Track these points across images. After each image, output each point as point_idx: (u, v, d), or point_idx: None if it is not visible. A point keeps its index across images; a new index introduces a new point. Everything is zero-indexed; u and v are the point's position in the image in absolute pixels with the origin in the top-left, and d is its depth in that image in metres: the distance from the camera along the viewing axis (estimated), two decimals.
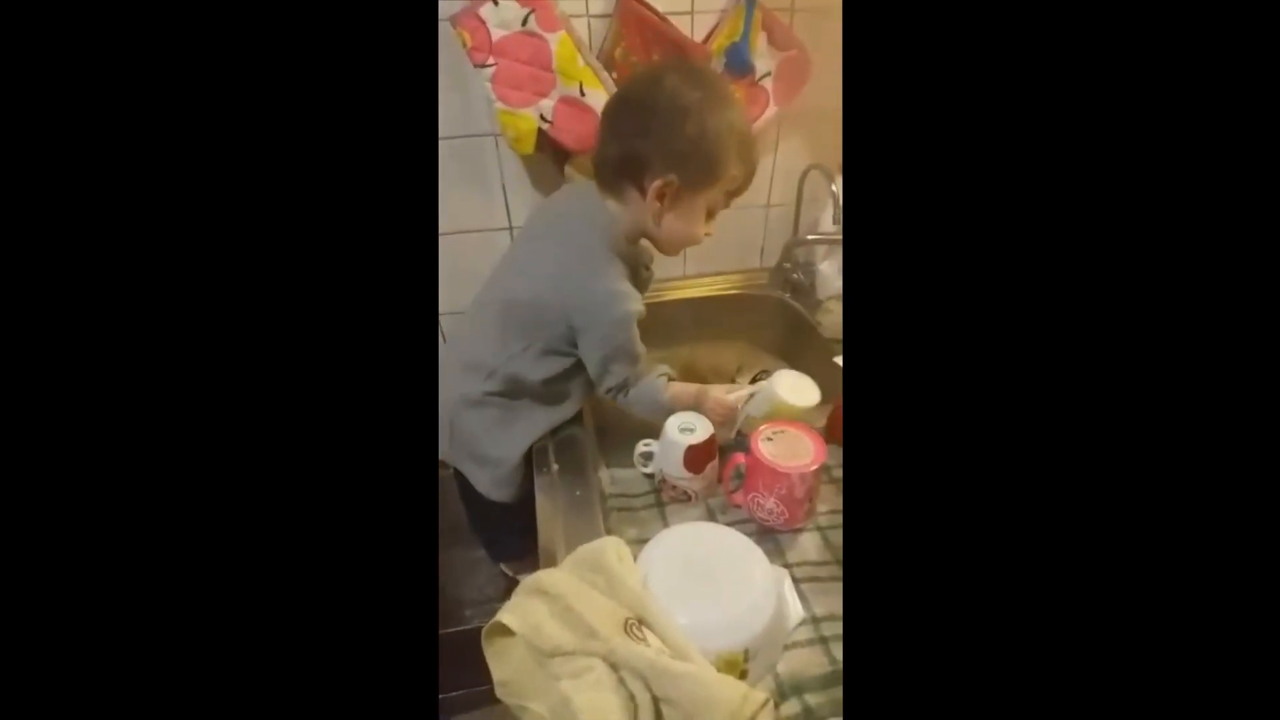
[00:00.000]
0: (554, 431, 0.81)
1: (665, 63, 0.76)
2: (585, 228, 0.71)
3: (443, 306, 1.05)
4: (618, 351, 0.73)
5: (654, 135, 0.66)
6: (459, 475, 0.86)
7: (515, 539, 1.00)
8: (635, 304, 0.71)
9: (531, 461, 0.79)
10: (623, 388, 0.76)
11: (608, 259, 0.70)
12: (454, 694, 1.06)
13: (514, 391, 0.77)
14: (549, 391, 0.78)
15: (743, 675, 0.54)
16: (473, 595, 1.17)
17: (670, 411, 0.74)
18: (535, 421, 0.79)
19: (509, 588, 1.14)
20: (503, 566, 1.15)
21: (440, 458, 0.81)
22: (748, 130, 0.71)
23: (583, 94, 0.87)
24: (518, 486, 0.80)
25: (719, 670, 0.51)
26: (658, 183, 0.67)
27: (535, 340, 0.74)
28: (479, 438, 0.79)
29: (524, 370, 0.76)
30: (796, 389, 0.74)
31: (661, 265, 1.13)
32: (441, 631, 1.10)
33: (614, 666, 0.50)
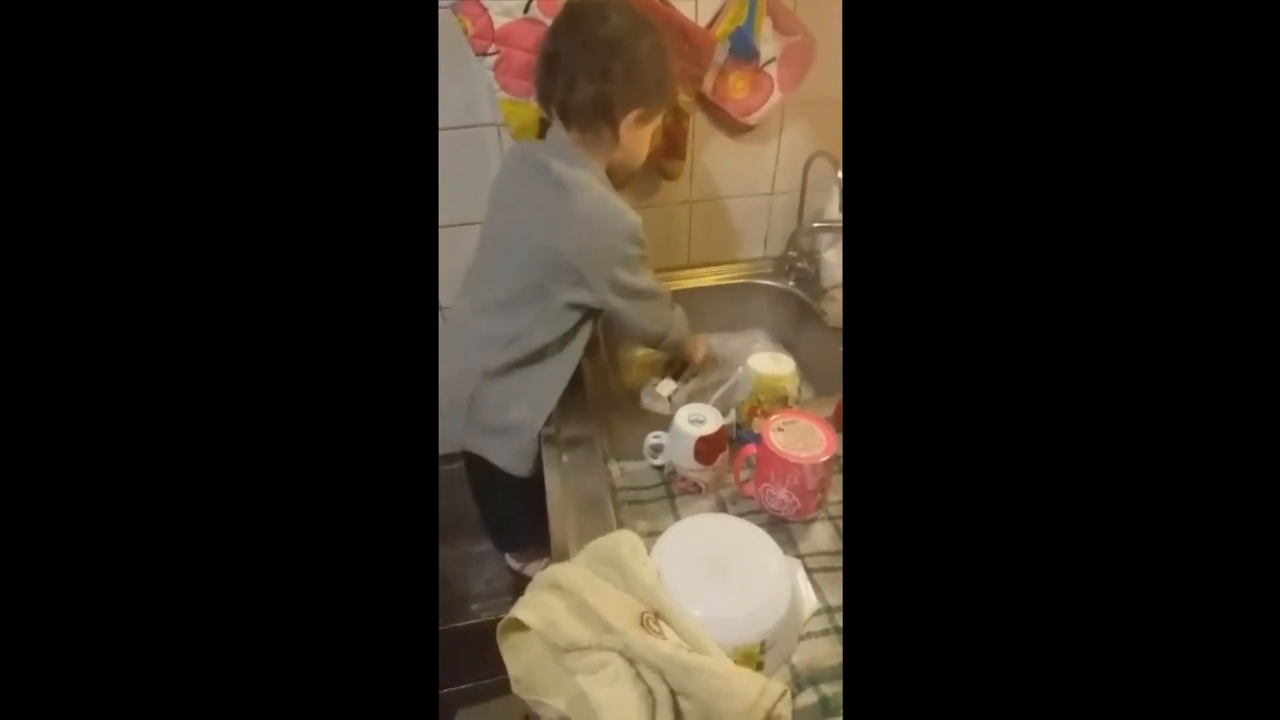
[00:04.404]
0: (563, 425, 0.81)
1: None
2: (570, 168, 0.74)
3: (444, 300, 1.04)
4: (632, 257, 0.77)
5: (621, 74, 0.70)
6: (470, 461, 0.86)
7: (522, 528, 1.00)
8: (637, 216, 0.76)
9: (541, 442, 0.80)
10: (636, 292, 0.79)
11: (602, 186, 0.75)
12: (462, 687, 1.05)
13: (533, 356, 0.79)
14: (564, 349, 0.81)
15: (759, 667, 0.54)
16: (479, 589, 1.16)
17: (666, 326, 0.83)
18: (554, 381, 0.81)
19: (516, 582, 1.15)
20: (508, 559, 1.15)
21: (449, 447, 0.81)
22: (671, 50, 0.77)
23: None
24: (535, 458, 0.81)
25: (736, 663, 0.51)
26: (630, 116, 0.73)
27: (551, 295, 0.77)
28: (505, 406, 0.80)
29: (543, 331, 0.78)
30: (771, 361, 0.76)
31: (664, 254, 1.13)
32: (448, 626, 1.09)
33: (631, 661, 0.50)
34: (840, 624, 0.60)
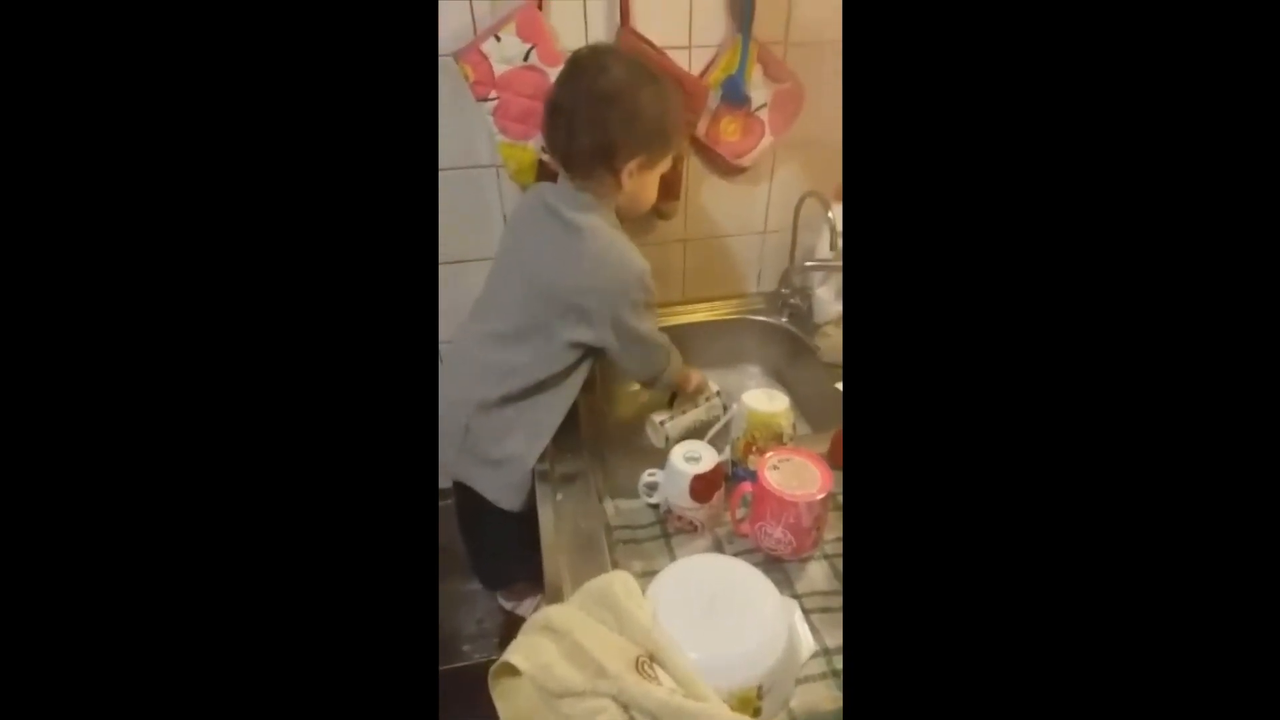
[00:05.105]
0: (557, 461, 0.80)
1: (600, 51, 0.80)
2: (579, 213, 0.77)
3: (443, 336, 1.04)
4: (639, 303, 0.78)
5: (620, 124, 0.73)
6: (460, 494, 0.85)
7: (510, 565, 0.98)
8: (646, 262, 0.78)
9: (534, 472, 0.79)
10: (638, 338, 0.80)
11: (611, 229, 0.78)
12: None
13: (531, 390, 0.79)
14: (561, 384, 0.81)
15: (756, 713, 0.53)
16: (470, 630, 1.14)
17: (659, 371, 0.84)
18: (551, 415, 0.81)
19: (508, 622, 1.12)
20: (500, 598, 1.13)
21: (440, 477, 0.81)
22: (680, 101, 0.81)
23: None
24: (527, 493, 0.80)
25: (732, 708, 0.50)
26: (632, 164, 0.75)
27: (553, 332, 0.78)
28: (500, 438, 0.80)
29: (542, 366, 0.79)
30: (765, 398, 0.77)
31: (659, 291, 1.13)
32: (440, 667, 1.07)
33: (625, 707, 0.49)
34: (839, 667, 0.59)
